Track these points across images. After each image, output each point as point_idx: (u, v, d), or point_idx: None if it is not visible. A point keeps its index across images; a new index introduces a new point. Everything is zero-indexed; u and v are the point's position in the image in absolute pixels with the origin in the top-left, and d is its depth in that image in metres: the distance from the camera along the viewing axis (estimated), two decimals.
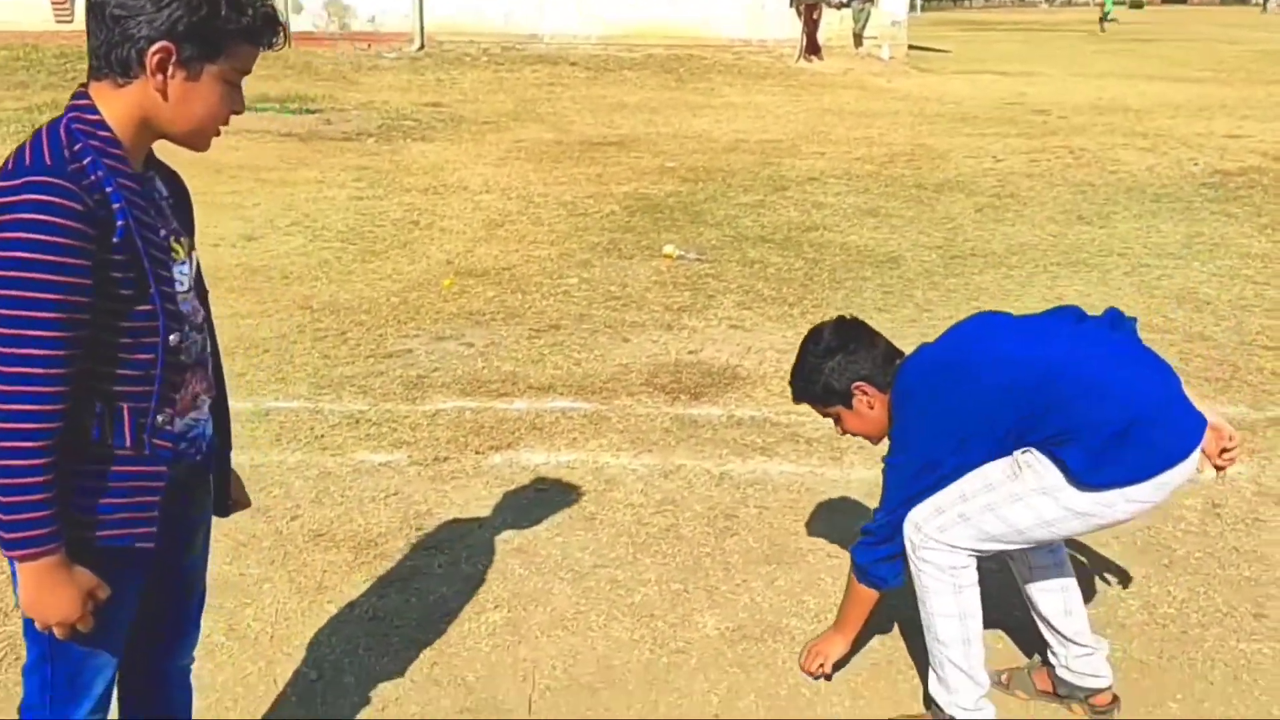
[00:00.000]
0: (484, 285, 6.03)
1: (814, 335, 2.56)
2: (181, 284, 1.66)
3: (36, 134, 1.53)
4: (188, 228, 1.74)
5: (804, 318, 5.62)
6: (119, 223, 1.50)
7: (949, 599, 2.37)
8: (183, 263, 1.67)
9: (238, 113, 1.66)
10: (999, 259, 6.80)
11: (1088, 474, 2.21)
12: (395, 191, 8.59)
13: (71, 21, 18.11)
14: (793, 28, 19.35)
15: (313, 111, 12.48)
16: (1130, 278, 6.32)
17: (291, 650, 2.76)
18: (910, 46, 21.57)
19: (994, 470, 2.33)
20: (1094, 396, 2.23)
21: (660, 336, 5.27)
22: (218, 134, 1.67)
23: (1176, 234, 7.36)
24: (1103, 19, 38.56)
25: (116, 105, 1.56)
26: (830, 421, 2.63)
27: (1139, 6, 73.25)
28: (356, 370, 4.72)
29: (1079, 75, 19.27)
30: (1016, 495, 2.28)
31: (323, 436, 4.04)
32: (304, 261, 6.48)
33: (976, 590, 2.40)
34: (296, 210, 7.84)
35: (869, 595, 2.51)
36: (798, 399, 2.62)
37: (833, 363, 2.47)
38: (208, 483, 1.89)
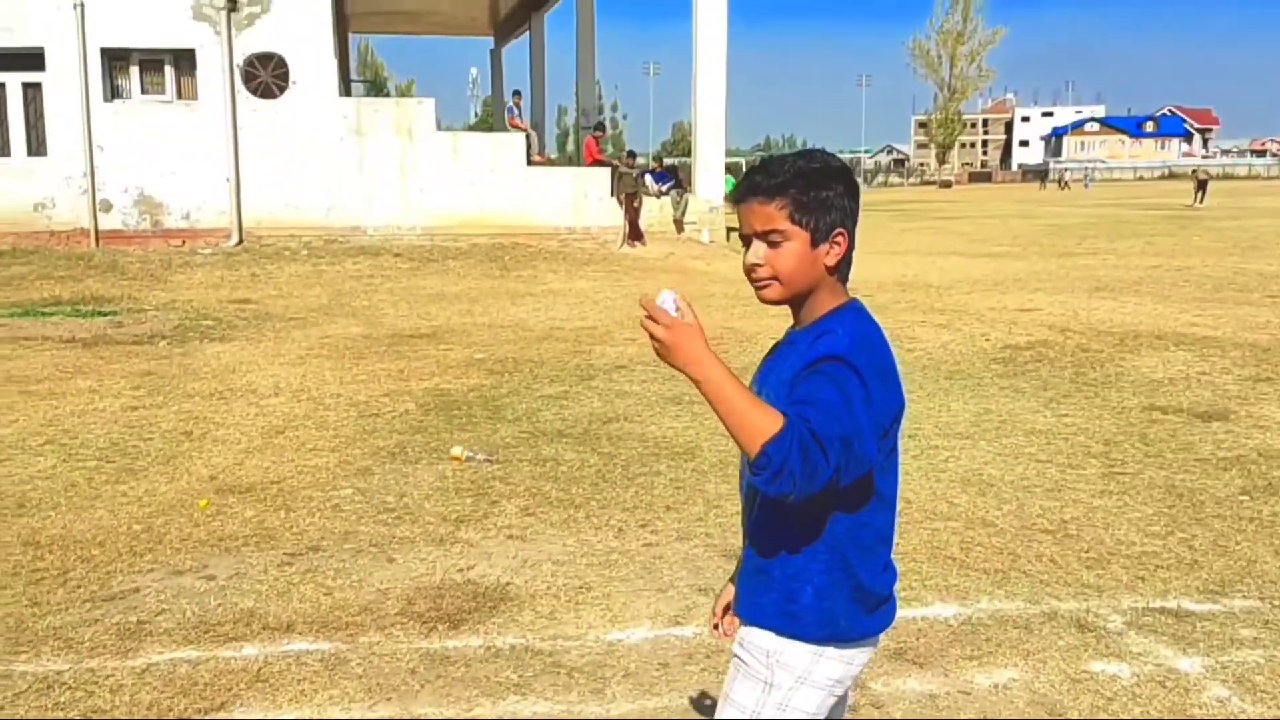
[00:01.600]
0: (245, 504, 5.55)
1: (823, 153, 2.06)
2: None
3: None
4: None
5: (588, 520, 5.35)
6: None
7: None
8: None
9: None
10: None
11: None
12: (175, 399, 8.06)
13: None
14: (615, 215, 19.88)
15: (105, 314, 11.89)
16: (918, 460, 6.31)
17: None
18: (729, 229, 22.43)
19: None
20: None
21: (430, 553, 4.89)
22: None
23: (966, 412, 7.49)
24: None
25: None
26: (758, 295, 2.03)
27: (947, 185, 79.38)
28: (67, 619, 4.15)
29: (885, 253, 20.30)
30: None
31: (0, 710, 3.47)
32: (46, 486, 5.88)
33: None
34: (56, 426, 7.23)
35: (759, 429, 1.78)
36: (769, 192, 1.97)
37: (841, 188, 1.99)
38: None
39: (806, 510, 1.93)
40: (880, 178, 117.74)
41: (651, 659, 3.86)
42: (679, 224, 20.59)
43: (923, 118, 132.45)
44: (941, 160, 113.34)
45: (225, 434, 7.01)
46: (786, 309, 2.05)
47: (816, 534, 1.96)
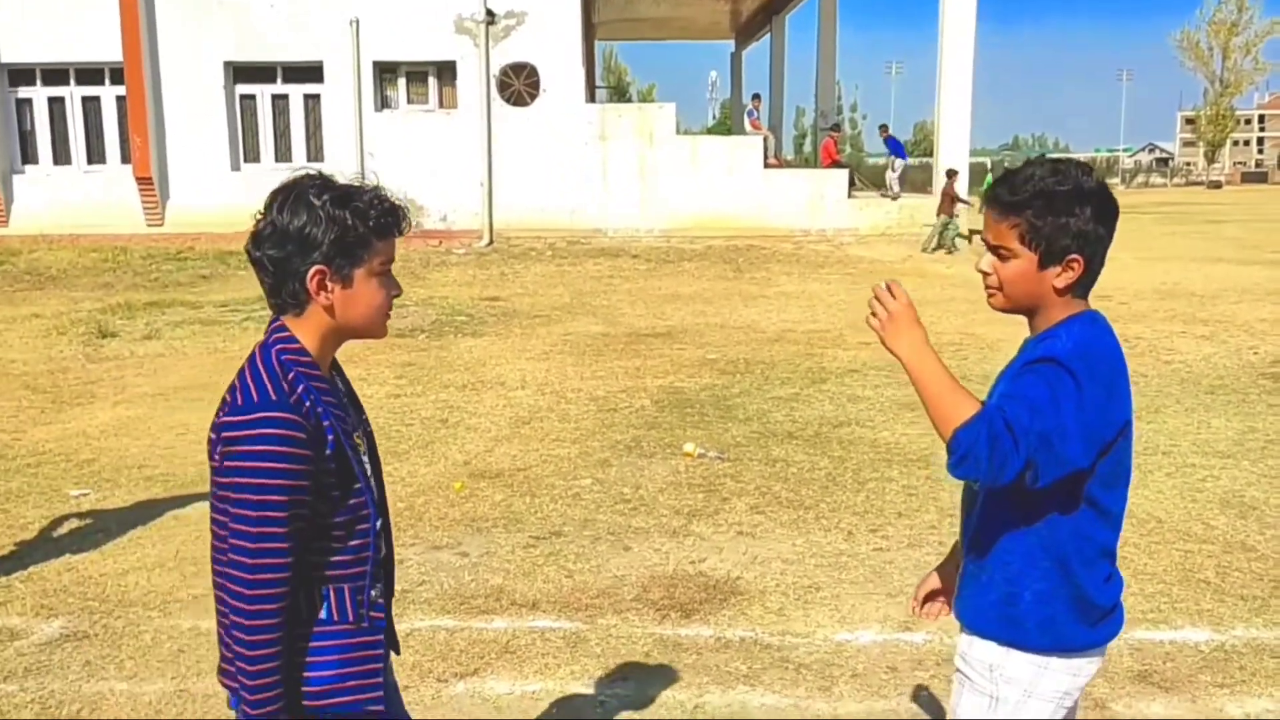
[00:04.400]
0: (495, 488, 5.95)
1: (1078, 167, 2.01)
2: (366, 471, 1.91)
3: (253, 366, 1.82)
4: (361, 418, 2.01)
5: (817, 522, 5.40)
6: (329, 438, 1.80)
7: None
8: (364, 455, 1.93)
9: (397, 295, 1.94)
10: None
11: None
12: (433, 388, 8.68)
13: (161, 225, 19.28)
14: (851, 217, 19.70)
15: None
16: (1173, 479, 5.97)
17: None
18: (972, 231, 21.70)
19: None
20: None
21: (664, 544, 5.09)
22: (389, 316, 1.94)
23: (1229, 430, 7.01)
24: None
25: (305, 329, 1.85)
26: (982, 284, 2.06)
27: (1217, 186, 73.30)
28: None
29: (1146, 258, 19.07)
30: None
31: None
32: None
33: None
34: None
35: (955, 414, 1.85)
36: (1006, 208, 1.97)
37: (1089, 212, 1.95)
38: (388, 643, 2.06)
39: (1023, 513, 1.95)
40: (1141, 178, 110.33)
41: (880, 662, 3.88)
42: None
43: (1190, 114, 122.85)
44: (1210, 159, 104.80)
45: (477, 422, 7.50)
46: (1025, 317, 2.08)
47: (1035, 539, 1.97)
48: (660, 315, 12.84)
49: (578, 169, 19.62)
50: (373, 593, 1.89)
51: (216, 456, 1.79)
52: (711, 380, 8.87)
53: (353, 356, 10.01)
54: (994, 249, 2.01)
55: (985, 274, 2.03)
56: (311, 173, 1.88)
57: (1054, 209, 1.94)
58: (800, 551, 5.00)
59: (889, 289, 1.96)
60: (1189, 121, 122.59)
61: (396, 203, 1.90)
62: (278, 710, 1.76)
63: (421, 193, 19.56)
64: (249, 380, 1.79)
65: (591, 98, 24.22)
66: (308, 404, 1.78)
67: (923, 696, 3.64)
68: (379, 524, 1.91)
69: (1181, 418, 7.35)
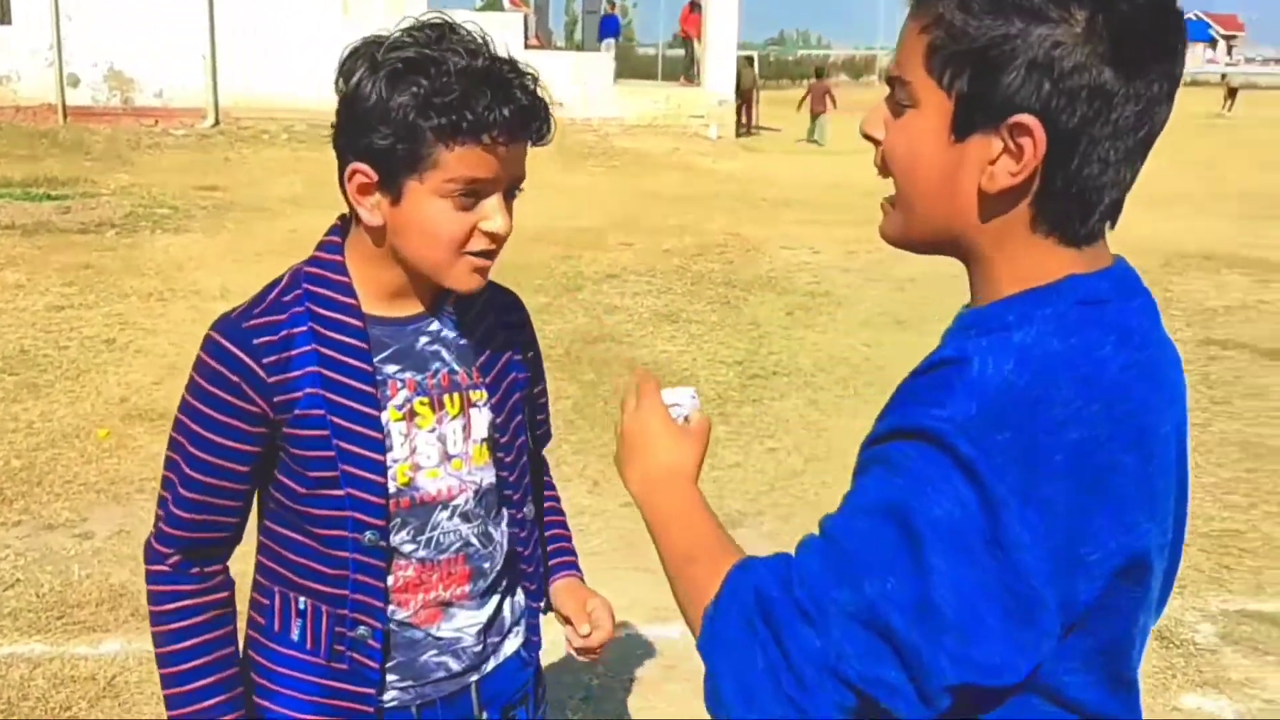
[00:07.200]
0: (154, 435, 4.69)
1: None
2: (429, 457, 1.36)
3: (279, 276, 1.36)
4: (490, 371, 1.42)
5: (556, 470, 4.48)
6: (303, 391, 1.29)
7: None
8: (431, 429, 1.36)
9: (497, 233, 1.29)
10: (805, 377, 5.85)
11: None
12: (108, 299, 7.15)
13: None
14: (619, 105, 18.75)
15: (56, 198, 10.88)
16: None
17: None
18: (741, 124, 21.23)
19: None
20: None
21: None
22: (479, 260, 1.31)
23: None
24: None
25: (352, 248, 1.36)
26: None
27: None
28: None
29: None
30: None
31: None
32: None
33: None
34: None
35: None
36: None
37: (1079, 26, 0.86)
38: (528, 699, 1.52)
39: None
40: None
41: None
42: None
43: None
44: None
45: (153, 344, 6.12)
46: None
47: None
48: None
49: (318, 44, 17.57)
50: (361, 629, 1.34)
51: None
52: None
53: (16, 258, 8.28)
54: (890, 83, 0.97)
55: (869, 139, 1.01)
56: (428, 17, 1.31)
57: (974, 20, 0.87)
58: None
59: (638, 385, 1.15)
60: None
61: (514, 89, 1.25)
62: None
63: (132, 64, 17.08)
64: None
65: None
66: (279, 337, 1.29)
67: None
68: (369, 536, 1.33)
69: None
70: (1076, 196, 0.89)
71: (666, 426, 1.09)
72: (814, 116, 21.61)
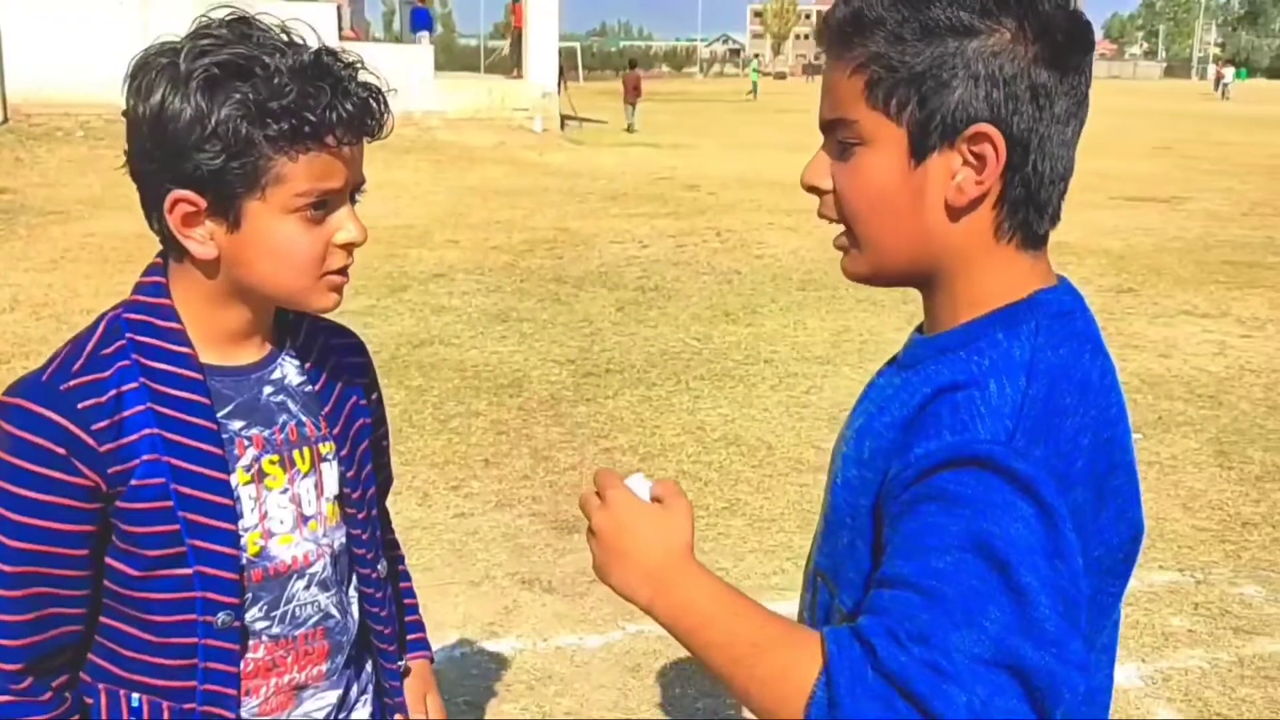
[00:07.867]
0: None
1: None
2: (281, 521, 1.22)
3: (90, 328, 1.18)
4: (337, 420, 1.28)
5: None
6: (141, 459, 1.12)
7: None
8: (283, 490, 1.22)
9: (352, 242, 1.19)
10: (638, 373, 5.86)
11: None
12: None
13: None
14: (440, 100, 18.38)
15: None
16: (778, 392, 5.54)
17: None
18: (564, 117, 21.18)
19: None
20: None
21: None
22: (335, 277, 1.19)
23: (824, 330, 6.76)
24: (753, 90, 40.84)
25: (181, 284, 1.19)
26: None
27: (782, 78, 79.48)
28: None
29: (729, 147, 19.48)
30: None
31: None
32: None
33: None
34: None
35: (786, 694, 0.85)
36: (843, 37, 0.95)
37: (1006, 33, 0.90)
38: None
39: None
40: (716, 67, 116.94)
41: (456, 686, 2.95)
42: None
43: (758, 7, 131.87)
44: (776, 51, 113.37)
45: None
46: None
47: None
48: None
49: (116, 34, 16.54)
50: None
51: None
52: None
53: None
54: (827, 129, 0.98)
55: (814, 190, 1.00)
56: (211, 18, 1.12)
57: (926, 22, 0.90)
58: None
59: (597, 488, 1.02)
60: (757, 14, 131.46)
61: (348, 83, 1.12)
62: None
63: None
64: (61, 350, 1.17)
65: None
66: (108, 397, 1.11)
67: None
68: (222, 618, 1.18)
69: (778, 318, 7.03)
70: (1034, 195, 0.93)
71: (643, 509, 0.99)
72: (629, 105, 23.69)
